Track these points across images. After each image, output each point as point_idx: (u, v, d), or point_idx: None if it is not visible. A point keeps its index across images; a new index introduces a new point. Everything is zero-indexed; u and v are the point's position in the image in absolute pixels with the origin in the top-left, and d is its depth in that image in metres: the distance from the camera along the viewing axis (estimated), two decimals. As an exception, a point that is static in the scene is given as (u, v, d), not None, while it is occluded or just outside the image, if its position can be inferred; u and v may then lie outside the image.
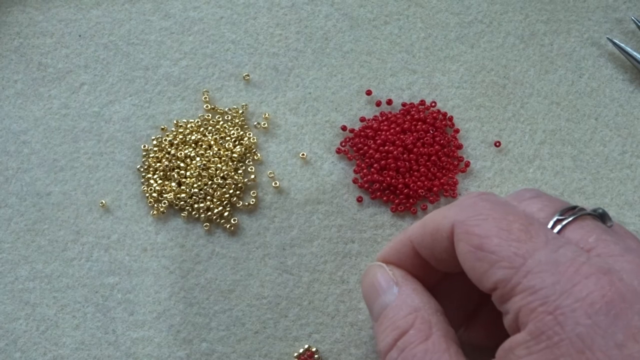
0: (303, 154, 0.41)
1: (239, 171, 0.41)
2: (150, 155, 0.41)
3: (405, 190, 0.40)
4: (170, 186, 0.40)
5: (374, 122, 0.41)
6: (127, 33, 0.44)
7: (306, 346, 0.38)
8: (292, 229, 0.40)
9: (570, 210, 0.29)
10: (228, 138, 0.41)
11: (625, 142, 0.41)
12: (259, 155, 0.41)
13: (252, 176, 0.41)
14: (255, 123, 0.42)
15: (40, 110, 0.43)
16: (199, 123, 0.42)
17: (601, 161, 0.41)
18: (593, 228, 0.28)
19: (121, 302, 0.39)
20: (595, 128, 0.41)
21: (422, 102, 0.42)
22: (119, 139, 0.42)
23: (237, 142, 0.41)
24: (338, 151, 0.41)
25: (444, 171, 0.40)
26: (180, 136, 0.41)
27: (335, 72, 0.43)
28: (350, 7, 0.44)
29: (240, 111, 0.42)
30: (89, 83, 0.43)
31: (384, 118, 0.41)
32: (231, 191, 0.40)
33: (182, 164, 0.41)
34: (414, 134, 0.40)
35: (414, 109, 0.41)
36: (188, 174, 0.40)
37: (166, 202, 0.40)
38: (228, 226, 0.40)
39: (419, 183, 0.40)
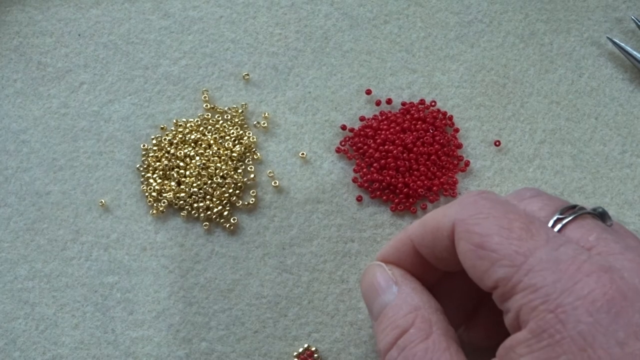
0: (303, 153, 0.41)
1: (239, 170, 0.41)
2: (150, 155, 0.41)
3: (405, 190, 0.40)
4: (169, 185, 0.40)
5: (373, 121, 0.41)
6: (126, 32, 0.44)
7: (306, 345, 0.38)
8: (291, 228, 0.40)
9: (571, 209, 0.29)
10: (228, 137, 0.41)
11: (625, 142, 0.41)
12: (258, 154, 0.41)
13: (252, 175, 0.40)
14: (255, 122, 0.42)
15: (40, 110, 0.43)
16: (199, 122, 0.42)
17: (601, 160, 0.41)
18: (593, 227, 0.28)
19: (120, 302, 0.39)
20: (595, 127, 0.41)
21: (422, 102, 0.42)
22: (118, 138, 0.42)
23: (236, 142, 0.41)
24: (338, 150, 0.41)
25: (443, 170, 0.40)
26: (180, 135, 0.41)
27: (334, 71, 0.43)
28: (349, 6, 0.44)
29: (240, 110, 0.42)
30: (89, 82, 0.43)
31: (383, 117, 0.41)
32: (231, 190, 0.40)
33: (181, 163, 0.41)
34: (414, 133, 0.40)
35: (413, 108, 0.41)
36: (187, 173, 0.40)
37: (166, 201, 0.40)
38: (227, 225, 0.39)
39: (418, 182, 0.40)
